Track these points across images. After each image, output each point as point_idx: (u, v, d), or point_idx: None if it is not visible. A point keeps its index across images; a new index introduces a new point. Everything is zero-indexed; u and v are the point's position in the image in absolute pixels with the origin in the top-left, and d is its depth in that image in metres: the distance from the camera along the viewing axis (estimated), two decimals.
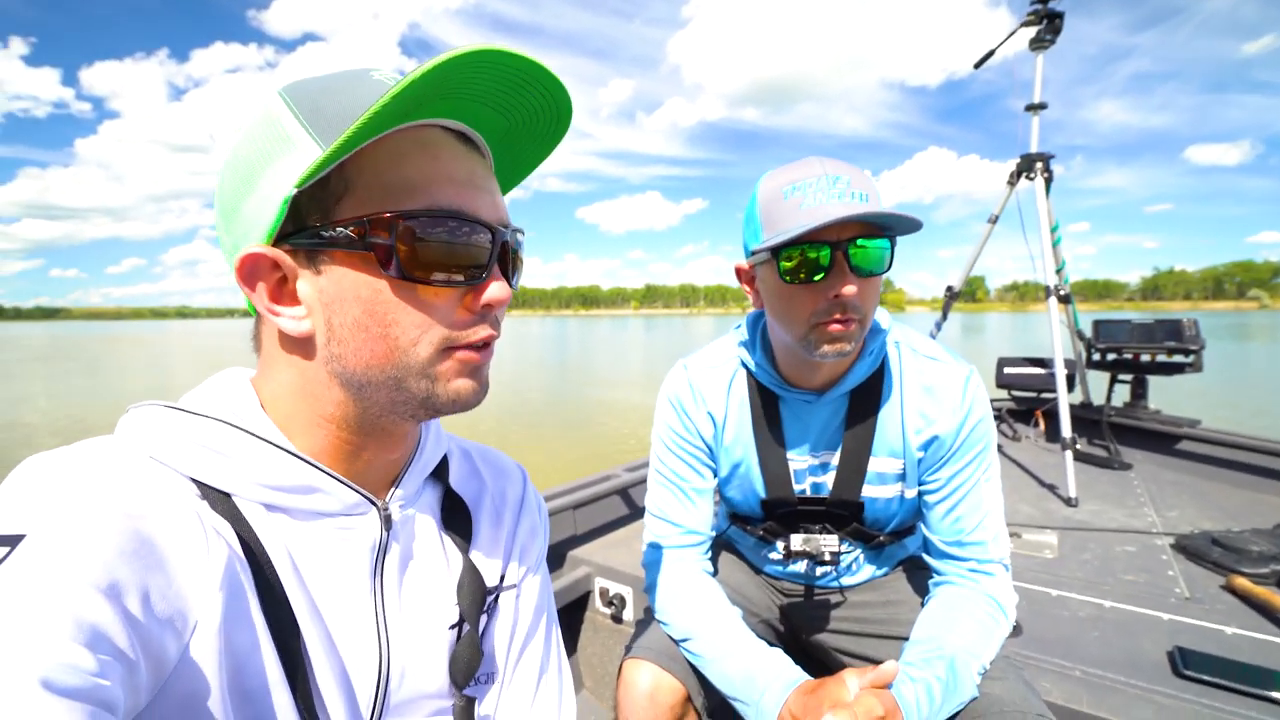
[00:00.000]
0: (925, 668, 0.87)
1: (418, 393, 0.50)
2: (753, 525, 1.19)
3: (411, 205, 0.46)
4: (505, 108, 0.50)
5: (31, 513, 0.39)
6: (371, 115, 0.41)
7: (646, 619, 1.11)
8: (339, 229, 0.45)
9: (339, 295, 0.47)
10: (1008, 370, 3.78)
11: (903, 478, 1.05)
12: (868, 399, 1.04)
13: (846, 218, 0.83)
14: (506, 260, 0.52)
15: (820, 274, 0.89)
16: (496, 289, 0.50)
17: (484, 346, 0.52)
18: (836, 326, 0.90)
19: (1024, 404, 3.81)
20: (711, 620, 1.00)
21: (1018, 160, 3.20)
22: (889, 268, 0.93)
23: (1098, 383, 3.68)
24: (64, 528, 0.38)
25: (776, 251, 0.90)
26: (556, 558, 1.93)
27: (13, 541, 0.37)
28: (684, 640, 1.01)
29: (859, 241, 0.88)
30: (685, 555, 1.10)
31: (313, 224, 0.46)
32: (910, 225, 0.88)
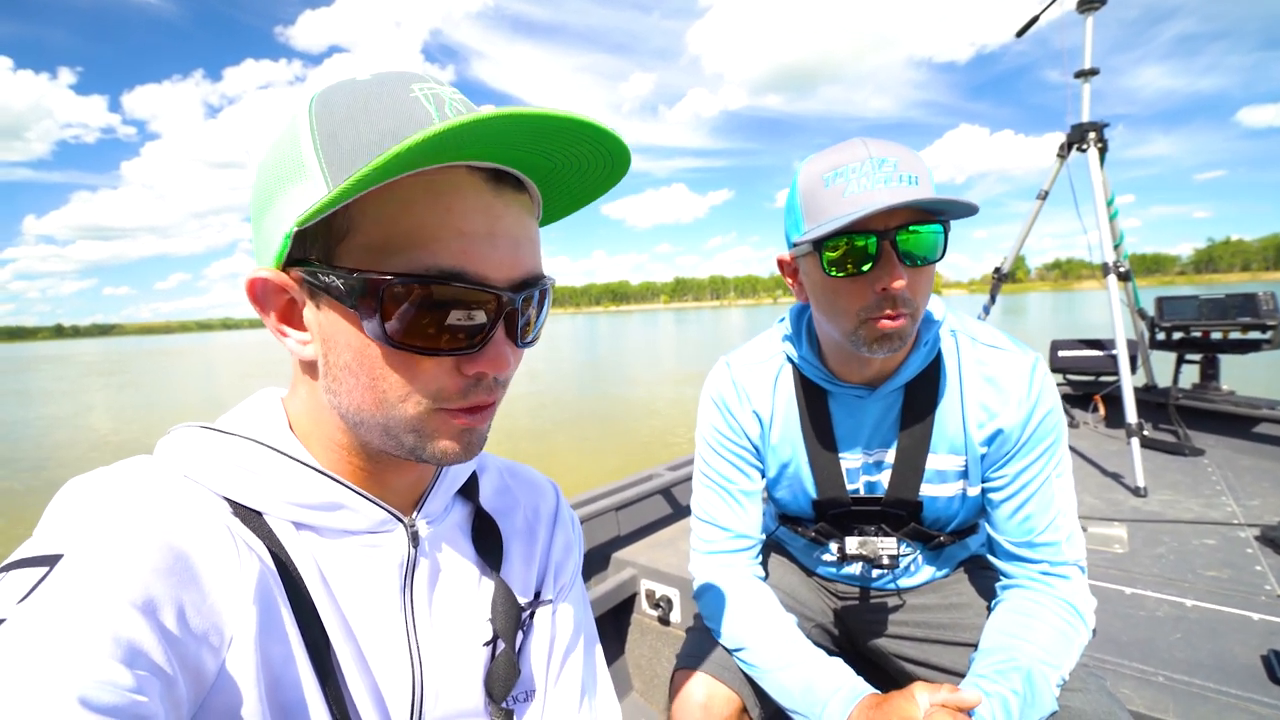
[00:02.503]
0: (1000, 680, 0.82)
1: (405, 443, 0.48)
2: (803, 526, 1.14)
3: (407, 266, 0.42)
4: (547, 153, 0.46)
5: (68, 533, 0.40)
6: (372, 170, 0.37)
7: (697, 626, 1.08)
8: (332, 277, 0.43)
9: (333, 336, 0.46)
10: (1062, 353, 3.62)
11: (964, 475, 0.99)
12: (924, 393, 0.98)
13: (893, 205, 0.78)
14: (514, 324, 0.47)
15: (868, 264, 0.84)
16: (495, 357, 0.46)
17: (479, 410, 0.48)
18: (886, 322, 0.85)
19: (1080, 388, 3.64)
20: (765, 629, 0.96)
21: (1068, 131, 3.04)
22: (942, 255, 0.86)
23: (1162, 364, 3.49)
24: (99, 546, 0.39)
25: (819, 243, 0.85)
26: (600, 560, 1.92)
27: (51, 561, 0.37)
28: (737, 650, 0.97)
29: (909, 228, 0.82)
30: (734, 560, 1.07)
31: (314, 260, 0.44)
32: (964, 210, 0.82)
